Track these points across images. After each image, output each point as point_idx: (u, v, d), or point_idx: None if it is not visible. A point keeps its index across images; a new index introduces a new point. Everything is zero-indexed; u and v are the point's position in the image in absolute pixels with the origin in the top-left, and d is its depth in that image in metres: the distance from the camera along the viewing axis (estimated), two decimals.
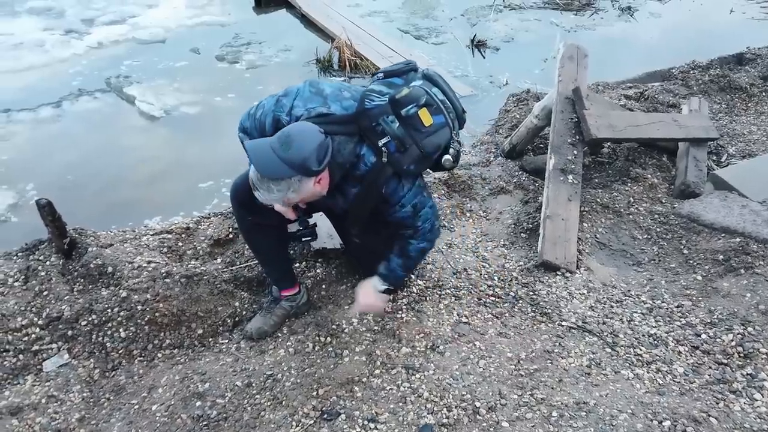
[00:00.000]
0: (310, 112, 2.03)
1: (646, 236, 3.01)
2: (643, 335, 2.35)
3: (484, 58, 5.87)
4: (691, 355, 2.23)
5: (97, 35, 5.99)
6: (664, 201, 3.23)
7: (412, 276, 2.78)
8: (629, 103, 4.29)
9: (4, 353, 2.39)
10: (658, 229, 3.02)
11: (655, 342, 2.31)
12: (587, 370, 2.20)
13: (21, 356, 2.39)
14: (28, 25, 6.19)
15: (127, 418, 2.16)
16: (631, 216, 3.12)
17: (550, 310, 2.54)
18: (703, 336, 2.30)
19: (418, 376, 2.22)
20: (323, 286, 2.76)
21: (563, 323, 2.47)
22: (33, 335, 2.46)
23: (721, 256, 2.68)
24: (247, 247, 2.85)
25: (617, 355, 2.27)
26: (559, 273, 2.77)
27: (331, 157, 1.96)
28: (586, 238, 3.01)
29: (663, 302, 2.53)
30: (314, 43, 5.80)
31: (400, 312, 2.57)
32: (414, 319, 2.53)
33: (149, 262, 2.77)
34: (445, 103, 2.15)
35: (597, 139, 3.18)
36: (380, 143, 2.02)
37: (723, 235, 2.79)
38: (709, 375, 2.12)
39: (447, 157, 2.17)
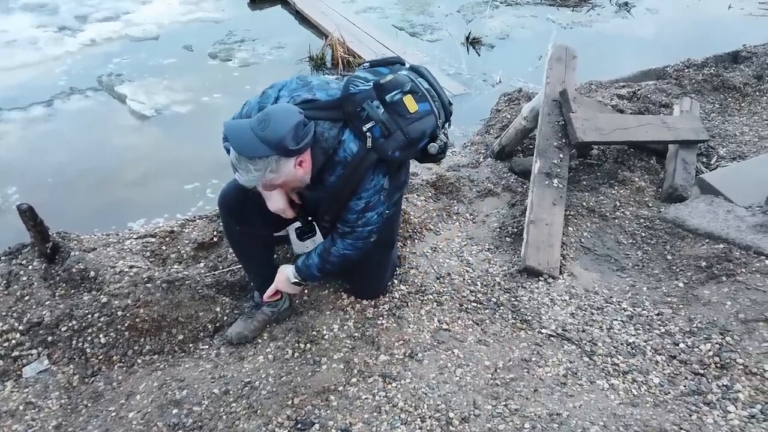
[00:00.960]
0: (295, 99, 2.03)
1: (631, 241, 2.99)
2: (622, 344, 2.34)
3: (479, 55, 5.84)
4: (668, 365, 2.22)
5: (91, 32, 5.99)
6: (650, 205, 3.21)
7: (395, 281, 2.78)
8: (621, 102, 4.26)
9: None
10: (643, 234, 3.00)
11: (633, 351, 2.30)
12: (563, 379, 2.20)
13: (0, 362, 2.40)
14: (22, 22, 6.19)
15: (104, 426, 2.16)
16: (617, 220, 3.11)
17: (530, 317, 2.53)
18: (681, 345, 2.29)
19: (394, 384, 2.22)
20: (306, 291, 2.75)
21: (543, 330, 2.46)
22: (13, 341, 2.46)
23: (704, 263, 2.66)
24: (230, 251, 2.85)
25: (594, 364, 2.26)
26: (541, 279, 2.76)
27: (314, 141, 1.95)
28: (571, 242, 3.00)
29: (644, 310, 2.52)
30: (308, 40, 5.78)
31: (381, 318, 2.57)
32: (394, 325, 2.53)
33: (131, 267, 2.77)
34: (431, 91, 2.13)
35: (583, 142, 3.16)
36: (364, 128, 1.98)
37: (707, 241, 2.77)
38: (685, 386, 2.11)
39: (432, 144, 2.13)
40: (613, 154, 3.69)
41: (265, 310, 2.57)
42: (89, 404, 2.28)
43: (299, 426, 2.07)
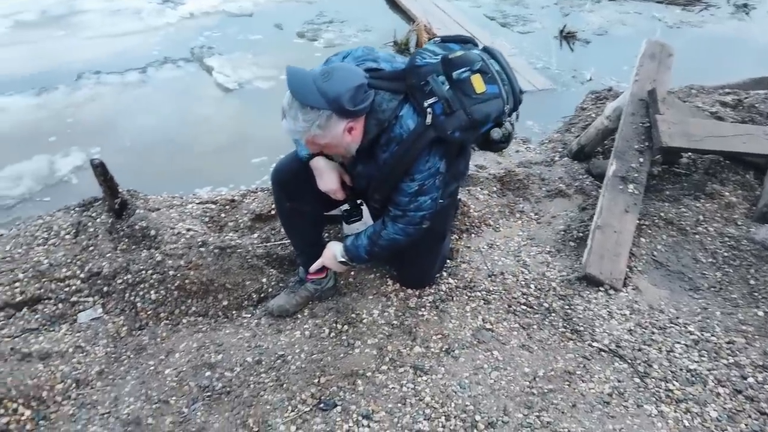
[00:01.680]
0: (359, 66, 1.97)
1: (710, 260, 2.71)
2: (681, 369, 2.12)
3: (571, 50, 5.54)
4: (730, 399, 1.98)
5: (191, 6, 6.24)
6: (740, 223, 2.89)
7: (444, 273, 2.68)
8: (723, 110, 3.87)
9: (47, 300, 2.54)
10: (725, 254, 2.71)
11: (693, 379, 2.08)
12: (607, 398, 2.02)
13: (60, 305, 2.54)
14: None
15: (141, 378, 2.24)
16: (697, 236, 2.82)
17: (582, 328, 2.36)
18: (750, 380, 2.03)
19: (424, 378, 2.14)
20: (351, 273, 2.71)
21: (594, 344, 2.28)
22: (73, 287, 2.60)
23: None
24: None
25: (645, 387, 2.07)
26: (602, 289, 2.56)
27: (371, 110, 1.89)
28: (642, 254, 2.76)
29: (713, 336, 2.27)
30: (395, 24, 5.71)
31: (422, 309, 2.49)
32: (435, 318, 2.43)
33: (188, 230, 2.85)
34: (501, 74, 1.99)
35: (668, 147, 2.89)
36: (426, 103, 1.89)
37: None
38: (746, 425, 1.87)
39: (496, 129, 2.00)
40: (704, 164, 3.36)
41: (308, 287, 2.56)
42: (132, 356, 2.37)
43: (321, 405, 2.04)
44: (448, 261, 2.75)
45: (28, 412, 2.06)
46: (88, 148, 3.92)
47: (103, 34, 5.62)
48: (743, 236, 2.76)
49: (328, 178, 2.17)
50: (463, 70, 1.90)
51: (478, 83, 1.91)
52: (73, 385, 2.20)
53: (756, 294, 2.46)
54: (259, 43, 5.48)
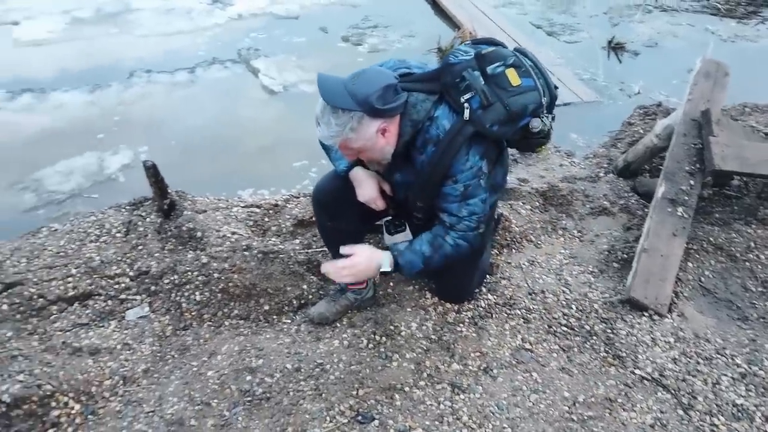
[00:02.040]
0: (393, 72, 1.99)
1: (760, 289, 2.63)
2: (727, 403, 2.07)
3: (620, 62, 5.43)
4: None
5: (239, 7, 6.35)
6: None
7: (483, 289, 2.67)
8: None
9: (97, 296, 2.64)
10: None
11: (740, 414, 2.03)
12: (649, 429, 1.99)
13: (110, 302, 2.63)
14: None
15: (185, 378, 2.30)
16: (747, 263, 2.75)
17: (625, 354, 2.32)
18: None
19: (462, 396, 2.14)
20: (390, 284, 2.73)
21: (636, 371, 2.24)
22: (123, 284, 2.69)
23: None
24: None
25: (689, 420, 2.02)
26: (646, 314, 2.51)
27: (404, 111, 1.91)
28: (688, 279, 2.70)
29: (761, 370, 2.21)
30: (439, 31, 5.70)
31: (461, 325, 2.49)
32: (474, 335, 2.43)
33: (233, 233, 2.92)
34: (534, 68, 2.00)
35: (721, 171, 2.81)
36: (462, 99, 1.90)
37: None
38: None
39: (536, 120, 1.97)
40: (757, 187, 3.27)
41: (348, 296, 2.58)
42: (176, 355, 2.43)
43: (359, 418, 2.06)
44: (487, 276, 2.74)
45: (77, 407, 2.14)
46: (137, 147, 4.03)
47: (155, 32, 5.76)
48: None
49: (367, 187, 2.18)
50: (497, 64, 1.92)
51: (513, 76, 1.92)
52: (121, 381, 2.27)
53: None
54: (304, 46, 5.54)
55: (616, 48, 5.54)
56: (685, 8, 6.41)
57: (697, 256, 2.79)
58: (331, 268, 2.04)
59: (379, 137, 1.91)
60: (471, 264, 2.51)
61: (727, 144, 2.87)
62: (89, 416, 2.13)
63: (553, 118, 2.08)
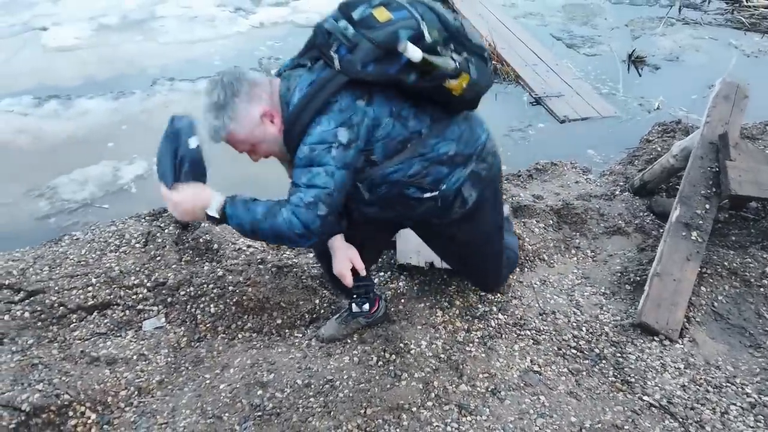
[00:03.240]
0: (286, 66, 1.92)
1: None
2: None
3: (640, 75, 5.40)
4: None
5: (261, 16, 6.44)
6: None
7: (494, 308, 2.69)
8: None
9: (115, 306, 2.71)
10: None
11: None
12: None
13: (128, 312, 2.70)
14: (206, 0, 6.81)
15: (198, 391, 2.35)
16: (762, 289, 2.72)
17: (633, 379, 2.32)
18: None
19: (469, 418, 2.16)
20: (402, 301, 2.76)
21: (645, 397, 2.24)
22: (140, 295, 2.76)
23: None
24: None
25: None
26: (656, 339, 2.51)
27: (281, 94, 1.80)
28: (701, 304, 2.68)
29: None
30: None
31: (470, 345, 2.50)
32: (483, 355, 2.45)
33: (249, 246, 2.98)
34: (414, 2, 1.77)
35: (737, 195, 2.79)
36: (331, 52, 1.73)
37: None
38: None
39: (410, 46, 1.69)
40: None
41: (360, 321, 2.59)
42: (190, 367, 2.49)
43: None
44: (498, 295, 2.76)
45: (93, 416, 2.21)
46: (152, 157, 4.10)
47: (179, 40, 5.88)
48: None
49: (340, 260, 2.07)
50: (362, 8, 1.74)
51: (381, 13, 1.72)
52: (136, 392, 2.33)
53: None
54: None
55: (636, 61, 5.50)
56: (708, 21, 6.34)
57: (711, 280, 2.77)
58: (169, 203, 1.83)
59: (267, 124, 1.81)
60: (491, 243, 2.38)
61: (745, 169, 2.85)
62: (104, 426, 2.20)
63: (470, 57, 1.84)
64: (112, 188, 3.83)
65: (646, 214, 3.41)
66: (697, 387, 2.28)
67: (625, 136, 4.39)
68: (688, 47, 5.80)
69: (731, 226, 3.21)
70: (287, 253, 3.02)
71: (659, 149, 3.94)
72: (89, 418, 2.20)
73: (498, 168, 2.19)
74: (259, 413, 2.22)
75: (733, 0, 6.70)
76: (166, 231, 3.06)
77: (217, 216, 1.79)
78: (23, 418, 2.08)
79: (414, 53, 1.69)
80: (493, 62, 5.30)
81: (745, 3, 6.54)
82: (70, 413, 2.17)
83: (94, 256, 2.93)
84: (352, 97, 1.77)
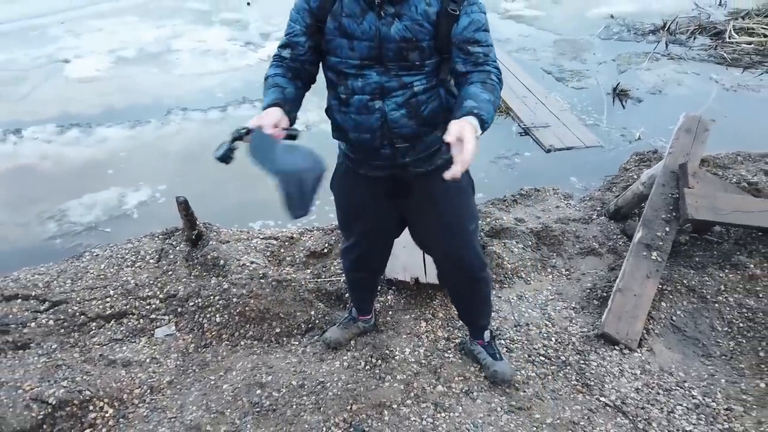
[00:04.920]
0: None
1: (726, 329, 2.87)
2: (678, 430, 2.32)
3: (623, 108, 5.73)
4: None
5: (269, 49, 6.86)
6: (761, 296, 3.02)
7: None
8: (765, 179, 3.99)
9: (131, 315, 3.01)
10: (741, 324, 2.86)
11: None
12: None
13: (141, 320, 3.00)
14: (218, 35, 7.27)
15: (203, 390, 2.63)
16: (716, 305, 2.99)
17: (592, 383, 2.58)
18: None
19: (443, 415, 2.42)
20: (389, 313, 3.05)
21: (601, 398, 2.50)
22: (153, 305, 3.06)
23: None
24: (335, 262, 3.26)
25: None
26: (617, 348, 2.77)
27: None
28: (661, 317, 2.95)
29: (713, 401, 2.45)
30: None
31: (449, 352, 2.78)
32: (460, 361, 2.72)
33: (252, 262, 3.28)
34: None
35: (693, 220, 3.08)
36: None
37: None
38: None
39: None
40: (737, 234, 3.51)
41: (359, 325, 2.88)
42: (196, 370, 2.78)
43: (351, 430, 2.36)
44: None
45: (111, 411, 2.49)
46: (156, 185, 4.40)
47: (192, 72, 6.29)
48: (761, 309, 2.90)
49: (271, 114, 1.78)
50: None
51: None
52: (148, 391, 2.62)
53: (763, 366, 2.61)
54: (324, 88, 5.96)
55: (620, 95, 5.84)
56: (692, 57, 6.69)
57: (671, 296, 3.04)
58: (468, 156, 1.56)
59: None
60: (462, 201, 2.24)
61: (702, 195, 3.14)
62: (121, 419, 2.48)
63: None
64: (115, 213, 4.12)
65: (619, 236, 3.69)
66: (649, 390, 2.54)
67: (606, 164, 4.70)
68: (671, 81, 6.14)
69: (696, 248, 3.48)
70: (287, 268, 3.32)
71: (635, 177, 4.23)
72: (107, 412, 2.48)
73: None
74: (258, 409, 2.50)
75: (716, 36, 7.05)
76: (177, 248, 3.37)
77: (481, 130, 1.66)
78: (50, 410, 2.37)
79: None
80: None
81: (728, 39, 6.88)
82: (91, 407, 2.46)
83: (112, 270, 3.24)
84: None
